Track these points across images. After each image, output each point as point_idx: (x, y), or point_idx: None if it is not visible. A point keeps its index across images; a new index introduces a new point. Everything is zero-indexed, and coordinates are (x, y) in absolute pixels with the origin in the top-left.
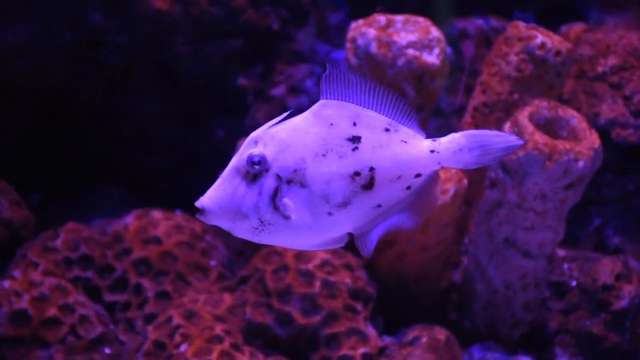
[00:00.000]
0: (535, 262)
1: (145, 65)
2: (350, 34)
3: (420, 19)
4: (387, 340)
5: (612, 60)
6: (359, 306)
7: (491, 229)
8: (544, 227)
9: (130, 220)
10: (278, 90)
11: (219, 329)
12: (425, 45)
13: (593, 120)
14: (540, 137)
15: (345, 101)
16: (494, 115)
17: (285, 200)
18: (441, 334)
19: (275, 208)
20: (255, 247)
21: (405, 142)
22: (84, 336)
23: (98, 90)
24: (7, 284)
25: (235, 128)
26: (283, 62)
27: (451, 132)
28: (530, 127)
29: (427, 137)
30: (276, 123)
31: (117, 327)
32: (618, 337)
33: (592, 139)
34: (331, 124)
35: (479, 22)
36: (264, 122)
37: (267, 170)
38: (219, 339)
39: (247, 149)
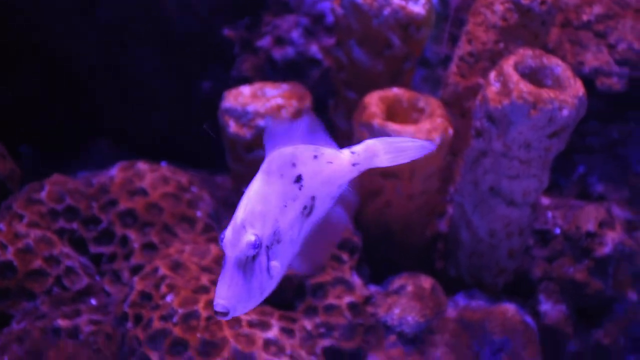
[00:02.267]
0: (520, 211)
1: (135, 19)
2: None
3: None
4: (373, 289)
5: (597, 9)
6: (344, 256)
7: (476, 178)
8: (528, 176)
9: (116, 172)
10: (264, 42)
11: (205, 279)
12: None
13: (578, 69)
14: (525, 86)
15: (284, 145)
16: (480, 64)
17: (273, 263)
18: (426, 282)
19: (270, 276)
20: (241, 197)
21: (331, 162)
22: (69, 287)
23: (90, 47)
24: None
25: (221, 79)
26: (270, 13)
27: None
28: (515, 76)
29: (414, 89)
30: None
31: (103, 278)
32: (601, 283)
33: (577, 88)
34: (281, 175)
35: None
36: (250, 74)
37: (260, 247)
38: (205, 290)
39: (238, 236)
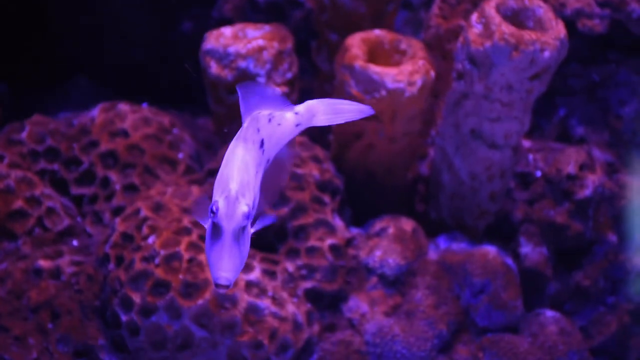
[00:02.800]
0: (501, 153)
1: None
2: None
3: None
4: (355, 231)
5: None
6: (326, 198)
7: (458, 121)
8: (510, 118)
9: (97, 112)
10: None
11: (186, 221)
12: None
13: (559, 11)
14: (506, 28)
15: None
16: (462, 6)
17: (250, 231)
18: (408, 224)
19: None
20: (223, 140)
21: (280, 124)
22: (51, 228)
23: None
24: None
25: (203, 20)
26: None
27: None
28: (497, 18)
29: (396, 32)
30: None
31: (85, 219)
32: (581, 225)
33: (558, 29)
34: (253, 141)
35: None
36: (231, 15)
37: (250, 217)
38: (187, 231)
39: (234, 208)
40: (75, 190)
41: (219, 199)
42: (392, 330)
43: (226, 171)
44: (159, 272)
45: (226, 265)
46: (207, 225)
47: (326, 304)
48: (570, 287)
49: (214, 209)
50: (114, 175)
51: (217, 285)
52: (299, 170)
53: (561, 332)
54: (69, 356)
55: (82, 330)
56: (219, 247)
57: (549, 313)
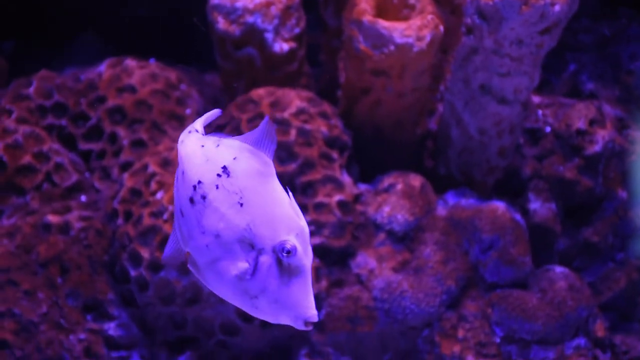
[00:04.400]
0: (511, 109)
1: None
2: None
3: None
4: (363, 187)
5: None
6: (334, 154)
7: (467, 76)
8: (519, 73)
9: (104, 68)
10: None
11: None
12: None
13: None
14: None
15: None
16: None
17: None
18: (416, 180)
19: None
20: (230, 96)
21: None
22: (59, 184)
23: None
24: None
25: None
26: None
27: None
28: None
29: None
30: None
31: (93, 175)
32: (591, 181)
33: None
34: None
35: None
36: None
37: None
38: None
39: (309, 243)
40: (83, 145)
41: (290, 238)
42: (401, 286)
43: (277, 210)
44: (167, 228)
45: (313, 301)
46: (264, 263)
47: (334, 260)
48: (579, 243)
49: (288, 248)
50: (121, 131)
51: (307, 324)
52: (307, 126)
53: (570, 288)
54: (78, 310)
55: (91, 285)
56: (301, 285)
57: (558, 269)
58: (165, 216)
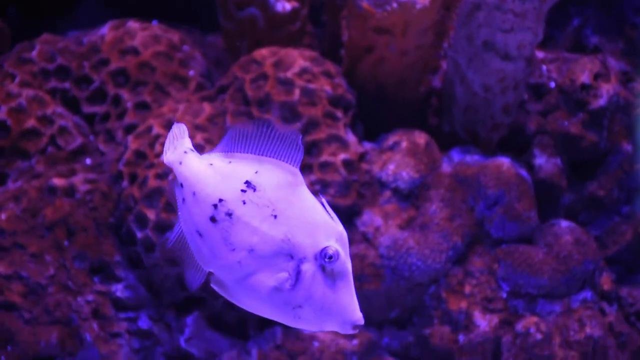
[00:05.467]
0: (514, 64)
1: None
2: None
3: None
4: (367, 146)
5: None
6: (338, 113)
7: (470, 33)
8: (523, 29)
9: (106, 30)
10: None
11: (199, 137)
12: None
13: None
14: None
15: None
16: None
17: None
18: (421, 138)
19: None
20: (233, 57)
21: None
22: (64, 147)
23: None
24: None
25: None
26: None
27: None
28: None
29: None
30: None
31: (97, 138)
32: (595, 136)
33: None
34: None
35: None
36: None
37: None
38: (199, 148)
39: (348, 247)
40: (87, 108)
41: (331, 244)
42: (407, 243)
43: (313, 217)
44: None
45: (357, 304)
46: (307, 271)
47: (340, 218)
48: (585, 197)
49: (331, 254)
50: (125, 94)
51: (356, 327)
52: (311, 86)
53: (576, 242)
54: (85, 272)
55: (97, 247)
56: (346, 289)
57: (564, 223)
58: (171, 178)
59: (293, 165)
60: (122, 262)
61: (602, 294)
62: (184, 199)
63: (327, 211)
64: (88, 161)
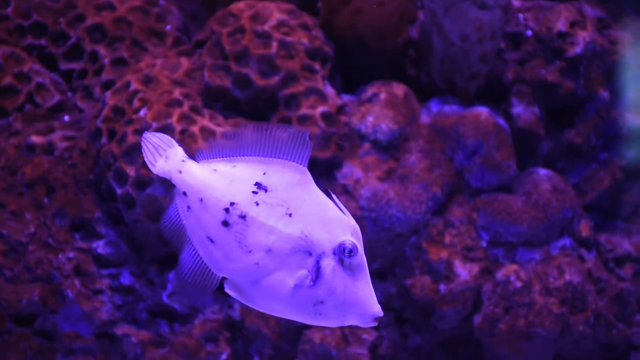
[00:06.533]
0: (491, 13)
1: None
2: None
3: None
4: (346, 98)
5: None
6: (316, 66)
7: None
8: None
9: None
10: None
11: (177, 92)
12: None
13: None
14: None
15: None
16: None
17: None
18: (399, 89)
19: None
20: (210, 11)
21: None
22: (41, 104)
23: None
24: None
25: None
26: None
27: None
28: None
29: None
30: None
31: (75, 94)
32: (572, 83)
33: None
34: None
35: None
36: None
37: None
38: (178, 103)
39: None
40: (64, 65)
41: (348, 238)
42: (387, 195)
43: (327, 213)
44: None
45: (375, 296)
46: (327, 266)
47: (320, 171)
48: (563, 145)
49: (350, 247)
50: (102, 50)
51: (376, 319)
52: (288, 39)
53: (554, 190)
54: (66, 230)
55: (77, 204)
56: (364, 282)
57: (542, 171)
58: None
59: (300, 164)
60: (103, 219)
61: (581, 241)
62: (189, 207)
63: (339, 206)
64: (66, 118)
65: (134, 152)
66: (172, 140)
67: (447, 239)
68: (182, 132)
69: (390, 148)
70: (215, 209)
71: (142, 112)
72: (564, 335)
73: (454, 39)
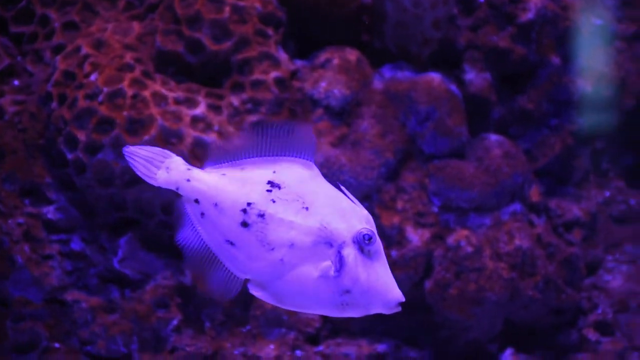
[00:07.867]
0: None
1: None
2: None
3: None
4: (299, 63)
5: None
6: (269, 31)
7: None
8: None
9: None
10: None
11: (129, 57)
12: None
13: None
14: None
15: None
16: None
17: None
18: (352, 55)
19: None
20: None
21: None
22: None
23: None
24: None
25: None
26: None
27: None
28: None
29: None
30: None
31: (25, 58)
32: (524, 49)
33: None
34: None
35: None
36: None
37: None
38: (129, 67)
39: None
40: (14, 29)
41: (365, 226)
42: (339, 161)
43: (341, 204)
44: (103, 109)
45: (394, 282)
46: (349, 255)
47: None
48: (515, 111)
49: (368, 234)
50: (52, 13)
51: (399, 305)
52: (241, 3)
53: (505, 155)
54: (15, 195)
55: (27, 169)
56: (384, 269)
57: (494, 137)
58: (101, 98)
59: (306, 159)
60: (53, 184)
61: (531, 206)
62: (202, 214)
63: (349, 197)
64: (16, 82)
65: (85, 116)
66: (167, 151)
67: (399, 204)
68: (134, 96)
69: (342, 114)
70: (232, 211)
71: (92, 77)
72: (513, 299)
73: (407, 5)
